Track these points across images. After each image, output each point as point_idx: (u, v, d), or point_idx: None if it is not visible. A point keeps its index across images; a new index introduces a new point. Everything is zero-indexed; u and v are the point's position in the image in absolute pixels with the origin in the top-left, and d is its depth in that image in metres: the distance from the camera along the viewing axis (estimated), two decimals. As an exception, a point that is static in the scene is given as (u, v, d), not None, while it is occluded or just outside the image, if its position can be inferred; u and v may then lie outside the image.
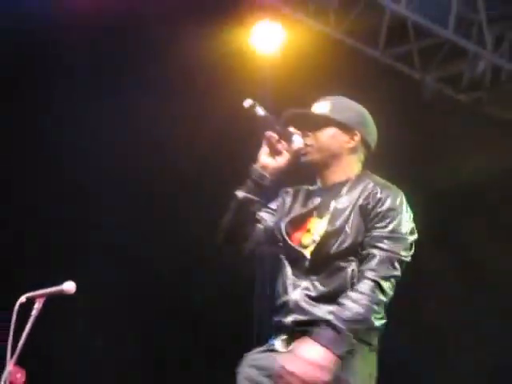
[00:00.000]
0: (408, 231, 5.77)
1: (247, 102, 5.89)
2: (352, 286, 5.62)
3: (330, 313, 5.46)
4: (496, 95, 13.98)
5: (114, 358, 13.08)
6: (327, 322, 5.38)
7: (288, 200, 6.06)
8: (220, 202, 6.05)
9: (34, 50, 12.73)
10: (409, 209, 5.88)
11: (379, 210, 5.73)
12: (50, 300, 7.04)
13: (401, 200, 5.85)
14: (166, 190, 13.58)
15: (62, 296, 7.10)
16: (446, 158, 13.24)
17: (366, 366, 5.68)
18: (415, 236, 5.81)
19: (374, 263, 5.57)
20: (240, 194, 5.87)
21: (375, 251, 5.60)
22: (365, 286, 5.48)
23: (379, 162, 6.10)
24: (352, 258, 5.71)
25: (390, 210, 5.75)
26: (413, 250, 5.76)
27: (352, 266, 5.68)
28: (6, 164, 13.03)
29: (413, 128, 12.30)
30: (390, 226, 5.69)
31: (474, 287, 13.79)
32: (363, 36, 13.00)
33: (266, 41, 12.47)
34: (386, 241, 5.66)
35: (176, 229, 13.53)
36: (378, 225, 5.72)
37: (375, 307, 5.42)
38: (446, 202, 13.50)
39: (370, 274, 5.51)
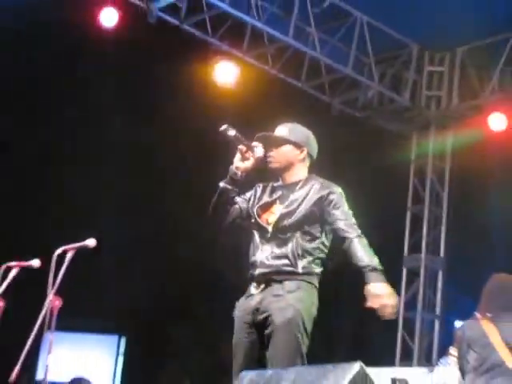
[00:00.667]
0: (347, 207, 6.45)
1: (222, 127, 6.43)
2: (297, 250, 6.22)
3: (364, 261, 6.18)
4: (381, 113, 14.22)
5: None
6: (374, 268, 6.17)
7: (259, 191, 6.59)
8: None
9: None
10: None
11: (331, 198, 6.38)
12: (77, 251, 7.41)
13: (341, 191, 6.50)
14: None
15: (85, 249, 7.47)
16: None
17: (309, 297, 6.20)
18: None
19: (346, 229, 6.25)
20: (221, 184, 6.46)
21: (341, 223, 6.26)
22: (358, 242, 6.23)
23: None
24: (298, 231, 6.30)
25: (338, 197, 6.41)
26: None
27: (297, 236, 6.29)
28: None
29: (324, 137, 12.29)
30: (343, 207, 6.40)
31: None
32: (290, 72, 13.17)
33: (224, 76, 12.57)
34: (343, 215, 6.33)
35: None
36: (335, 207, 6.35)
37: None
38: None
39: (351, 235, 6.20)
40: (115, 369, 13.10)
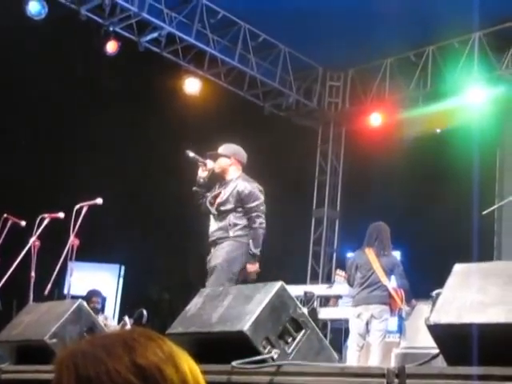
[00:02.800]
0: (261, 200, 6.88)
1: (185, 153, 7.01)
2: (230, 226, 6.81)
3: (251, 250, 6.79)
4: (297, 114, 14.24)
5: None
6: (254, 255, 6.81)
7: (216, 187, 7.09)
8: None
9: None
10: (260, 189, 6.99)
11: (245, 192, 6.84)
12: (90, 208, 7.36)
13: (256, 186, 6.97)
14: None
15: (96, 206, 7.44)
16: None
17: (237, 249, 6.78)
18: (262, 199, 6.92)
19: (252, 219, 6.81)
20: (194, 188, 7.09)
21: (254, 214, 6.81)
22: (254, 233, 6.80)
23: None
24: (230, 213, 6.85)
25: (250, 192, 6.85)
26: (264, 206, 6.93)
27: (230, 216, 6.84)
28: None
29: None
30: (255, 200, 6.87)
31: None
32: (236, 85, 13.12)
33: (191, 87, 12.45)
34: (254, 208, 6.81)
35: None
36: (248, 200, 6.83)
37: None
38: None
39: (255, 225, 6.78)
40: (117, 287, 13.06)
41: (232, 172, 7.08)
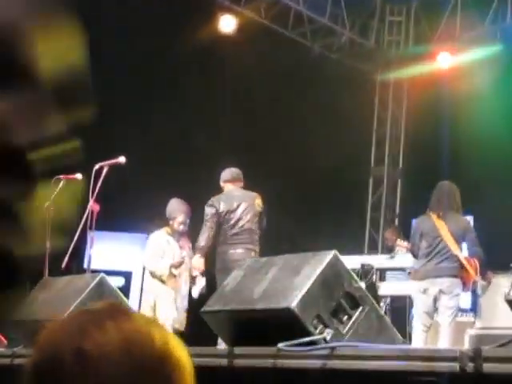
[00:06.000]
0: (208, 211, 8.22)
1: None
2: None
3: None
4: (351, 55, 14.15)
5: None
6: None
7: None
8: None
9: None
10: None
11: None
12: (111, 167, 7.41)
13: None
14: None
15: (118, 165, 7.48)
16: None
17: None
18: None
19: None
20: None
21: None
22: None
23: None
24: None
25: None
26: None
27: None
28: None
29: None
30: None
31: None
32: (280, 22, 13.08)
33: (226, 26, 12.51)
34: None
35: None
36: None
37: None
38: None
39: None
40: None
41: (223, 188, 8.70)
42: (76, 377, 1.34)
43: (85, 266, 8.04)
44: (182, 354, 1.43)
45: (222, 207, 8.42)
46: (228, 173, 8.71)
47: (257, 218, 8.52)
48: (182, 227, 8.84)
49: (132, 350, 1.37)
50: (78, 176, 7.52)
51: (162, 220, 9.03)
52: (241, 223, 8.43)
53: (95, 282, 4.74)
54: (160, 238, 8.88)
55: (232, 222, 8.40)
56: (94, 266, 7.66)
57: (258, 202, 8.54)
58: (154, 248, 8.83)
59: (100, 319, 1.40)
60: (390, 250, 11.28)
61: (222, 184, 8.69)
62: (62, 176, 7.44)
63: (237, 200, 8.47)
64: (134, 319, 1.42)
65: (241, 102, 12.24)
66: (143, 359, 1.37)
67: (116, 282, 10.00)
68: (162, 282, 8.66)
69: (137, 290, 12.48)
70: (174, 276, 8.67)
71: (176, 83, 11.49)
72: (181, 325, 8.70)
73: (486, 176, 11.35)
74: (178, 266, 8.65)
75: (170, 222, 8.86)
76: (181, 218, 8.81)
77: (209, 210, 8.37)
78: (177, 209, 8.83)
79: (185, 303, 8.81)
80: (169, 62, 11.52)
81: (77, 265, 7.96)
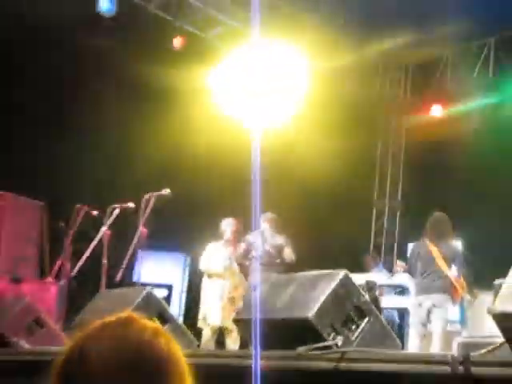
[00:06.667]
0: None
1: None
2: None
3: None
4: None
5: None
6: None
7: None
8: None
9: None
10: None
11: None
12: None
13: None
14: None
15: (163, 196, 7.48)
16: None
17: None
18: None
19: None
20: None
21: None
22: None
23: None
24: None
25: None
26: None
27: None
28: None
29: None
30: None
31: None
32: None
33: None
34: None
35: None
36: None
37: None
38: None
39: None
40: (183, 276, 13.19)
41: None
42: (84, 374, 1.40)
43: (134, 279, 8.06)
44: (181, 358, 1.47)
45: None
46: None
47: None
48: (226, 237, 8.89)
49: (140, 352, 1.43)
50: (131, 205, 7.56)
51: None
52: None
53: (144, 293, 4.75)
54: (212, 247, 8.98)
55: None
56: (142, 280, 7.69)
57: None
58: (207, 254, 8.91)
59: (114, 327, 1.49)
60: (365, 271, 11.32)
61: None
62: (117, 205, 7.52)
63: None
64: (142, 328, 1.48)
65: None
66: (149, 360, 1.42)
67: (160, 293, 10.02)
68: (218, 276, 8.72)
69: (177, 300, 12.51)
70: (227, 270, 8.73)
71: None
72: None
73: (472, 208, 11.30)
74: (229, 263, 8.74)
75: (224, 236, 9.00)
76: (228, 230, 8.90)
77: None
78: (227, 224, 8.96)
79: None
80: None
81: (129, 278, 7.98)
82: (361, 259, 12.61)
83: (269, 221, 8.99)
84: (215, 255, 8.74)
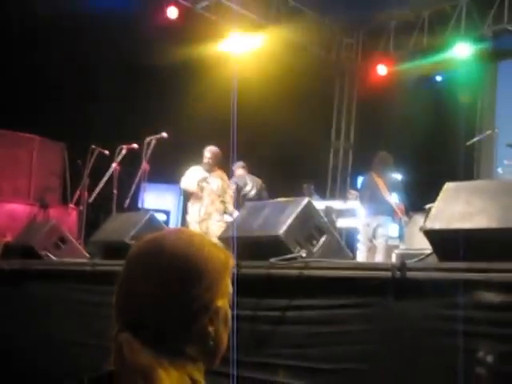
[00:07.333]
0: None
1: None
2: None
3: None
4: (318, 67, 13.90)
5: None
6: None
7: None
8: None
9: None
10: None
11: None
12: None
13: None
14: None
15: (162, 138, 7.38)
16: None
17: None
18: None
19: None
20: None
21: None
22: None
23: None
24: None
25: None
26: None
27: None
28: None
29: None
30: None
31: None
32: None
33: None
34: None
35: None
36: None
37: None
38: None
39: None
40: (178, 203, 13.10)
41: None
42: (138, 264, 1.32)
43: (139, 205, 8.03)
44: (217, 255, 1.36)
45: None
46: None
47: None
48: (206, 160, 7.95)
49: (177, 249, 1.32)
50: (135, 146, 7.48)
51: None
52: None
53: (147, 216, 4.73)
54: (193, 168, 8.13)
55: None
56: (145, 206, 7.67)
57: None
58: (187, 174, 8.08)
59: (161, 234, 1.39)
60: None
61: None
62: (124, 146, 7.45)
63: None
64: (180, 232, 1.39)
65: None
66: (183, 257, 1.31)
67: (160, 217, 9.99)
68: (195, 198, 7.96)
69: (173, 222, 12.50)
70: (201, 189, 7.92)
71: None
72: None
73: (409, 147, 11.33)
74: (202, 180, 7.89)
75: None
76: (207, 154, 7.98)
77: None
78: (206, 149, 8.05)
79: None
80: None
81: (134, 205, 7.94)
82: (320, 189, 12.65)
83: (243, 167, 8.93)
84: (194, 176, 7.97)
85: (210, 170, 7.97)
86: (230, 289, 1.39)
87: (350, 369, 2.72)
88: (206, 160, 7.98)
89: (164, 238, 1.36)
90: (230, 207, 7.84)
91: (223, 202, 7.85)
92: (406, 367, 2.53)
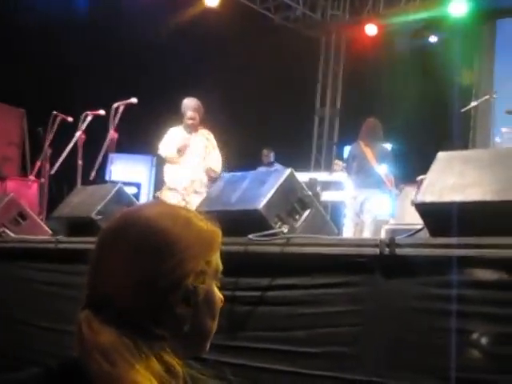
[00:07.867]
0: None
1: None
2: None
3: None
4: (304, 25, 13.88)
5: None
6: None
7: None
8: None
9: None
10: None
11: None
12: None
13: None
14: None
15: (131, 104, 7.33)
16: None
17: None
18: None
19: None
20: None
21: None
22: None
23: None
24: None
25: None
26: None
27: None
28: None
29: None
30: None
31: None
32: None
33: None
34: None
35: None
36: None
37: None
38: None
39: None
40: (150, 175, 13.06)
41: None
42: (118, 235, 1.31)
43: (107, 178, 7.97)
44: (197, 229, 1.37)
45: None
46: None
47: None
48: (190, 122, 7.40)
49: (162, 217, 1.32)
50: (101, 112, 7.40)
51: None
52: None
53: (115, 189, 4.70)
54: (173, 131, 7.59)
55: None
56: (113, 178, 7.62)
57: None
58: (166, 138, 7.55)
59: (137, 207, 1.43)
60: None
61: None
62: (89, 112, 7.36)
63: None
64: (156, 205, 1.42)
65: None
66: (155, 229, 1.30)
67: (130, 190, 9.92)
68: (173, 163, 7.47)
69: (145, 197, 12.46)
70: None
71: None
72: None
73: (400, 114, 11.34)
74: (183, 148, 7.37)
75: (183, 120, 7.51)
76: (189, 113, 7.42)
77: None
78: (186, 105, 7.44)
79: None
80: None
81: (101, 178, 7.88)
82: (304, 160, 12.68)
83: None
84: (174, 140, 7.45)
85: (193, 131, 7.42)
86: (219, 267, 1.38)
87: (336, 352, 2.73)
88: (189, 122, 7.34)
89: (139, 210, 1.37)
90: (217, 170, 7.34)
91: (208, 170, 7.33)
92: (394, 350, 2.54)
